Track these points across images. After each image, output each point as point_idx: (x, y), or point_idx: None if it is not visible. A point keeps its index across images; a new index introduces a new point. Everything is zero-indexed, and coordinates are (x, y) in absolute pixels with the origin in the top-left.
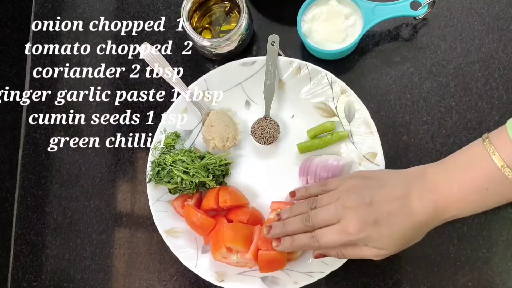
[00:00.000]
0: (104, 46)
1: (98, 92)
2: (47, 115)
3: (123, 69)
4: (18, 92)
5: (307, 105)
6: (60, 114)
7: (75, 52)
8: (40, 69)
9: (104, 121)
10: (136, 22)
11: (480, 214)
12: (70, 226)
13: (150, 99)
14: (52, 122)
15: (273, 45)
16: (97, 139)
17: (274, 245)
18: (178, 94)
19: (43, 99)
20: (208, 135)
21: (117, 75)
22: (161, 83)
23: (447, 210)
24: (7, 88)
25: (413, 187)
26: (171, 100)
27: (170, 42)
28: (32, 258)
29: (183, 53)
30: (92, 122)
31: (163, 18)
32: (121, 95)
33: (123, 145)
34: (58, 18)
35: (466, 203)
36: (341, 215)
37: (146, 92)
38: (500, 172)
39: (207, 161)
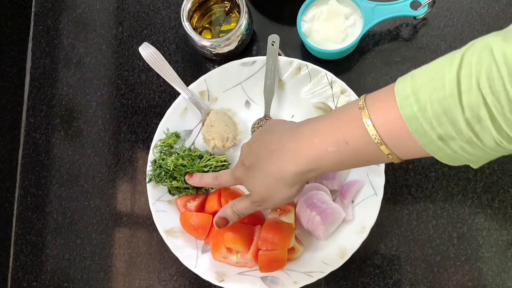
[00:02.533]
0: (104, 46)
1: (98, 92)
2: (47, 115)
3: (123, 69)
4: (18, 92)
5: (307, 105)
6: (60, 114)
7: (75, 52)
8: (40, 69)
9: (104, 121)
10: (136, 22)
11: (480, 214)
12: (70, 226)
13: (150, 99)
14: (52, 122)
15: (273, 45)
16: (97, 139)
17: (186, 178)
18: (178, 94)
19: (43, 99)
20: (208, 135)
21: (117, 75)
22: (161, 83)
23: (304, 159)
24: (7, 88)
25: (284, 136)
26: (171, 100)
27: (170, 42)
28: (32, 258)
29: (183, 53)
30: (92, 122)
31: (163, 18)
32: (121, 95)
33: (123, 145)
34: (58, 18)
35: (323, 155)
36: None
37: (146, 92)
38: (365, 131)
39: (206, 163)
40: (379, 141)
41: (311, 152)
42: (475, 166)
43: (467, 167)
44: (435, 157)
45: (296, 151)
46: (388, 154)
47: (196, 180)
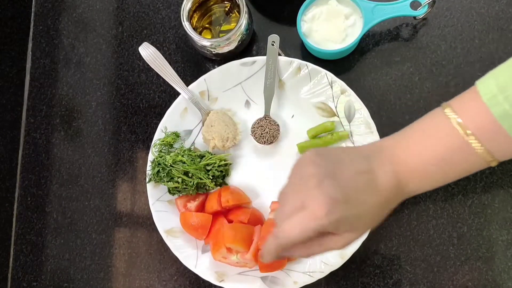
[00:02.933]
0: (104, 46)
1: (98, 92)
2: (47, 115)
3: (123, 69)
4: (18, 92)
5: (307, 105)
6: (60, 114)
7: (75, 52)
8: (40, 69)
9: (104, 121)
10: (136, 22)
11: (480, 214)
12: (70, 226)
13: (150, 99)
14: (52, 122)
15: (273, 45)
16: (97, 139)
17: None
18: (178, 94)
19: (43, 99)
20: (208, 135)
21: (117, 75)
22: (161, 83)
23: (409, 182)
24: (7, 88)
25: (373, 161)
26: (171, 100)
27: (170, 42)
28: (32, 258)
29: (183, 53)
30: (92, 122)
31: (163, 18)
32: (121, 95)
33: (123, 145)
34: (58, 18)
35: (426, 175)
36: (305, 199)
37: (146, 92)
38: (462, 140)
39: (207, 161)
40: (480, 149)
41: (413, 173)
42: None
43: None
44: None
45: (397, 173)
46: (490, 161)
47: (264, 256)
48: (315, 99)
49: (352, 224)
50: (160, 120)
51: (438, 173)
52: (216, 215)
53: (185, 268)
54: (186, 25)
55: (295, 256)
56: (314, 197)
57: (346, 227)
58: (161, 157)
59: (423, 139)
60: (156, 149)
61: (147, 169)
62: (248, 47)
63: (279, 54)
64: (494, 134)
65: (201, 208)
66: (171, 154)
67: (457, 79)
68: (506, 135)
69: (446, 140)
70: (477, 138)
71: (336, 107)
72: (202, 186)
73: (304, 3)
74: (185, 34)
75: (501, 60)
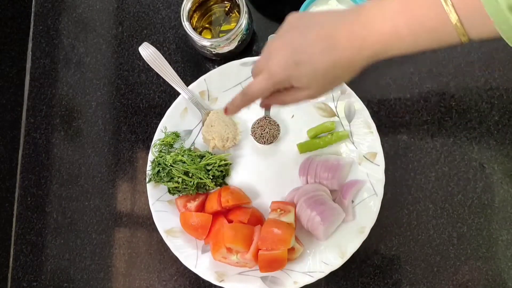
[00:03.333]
0: (104, 46)
1: (98, 92)
2: (47, 115)
3: (123, 69)
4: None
5: (307, 105)
6: (60, 114)
7: (75, 52)
8: (40, 69)
9: (104, 121)
10: (136, 22)
11: (480, 214)
12: (70, 226)
13: (150, 99)
14: (52, 122)
15: None
16: (97, 139)
17: (224, 113)
18: (178, 94)
19: (43, 99)
20: (208, 135)
21: (117, 75)
22: (161, 83)
23: (374, 45)
24: (7, 88)
25: (343, 24)
26: (171, 100)
27: (170, 42)
28: (32, 258)
29: (183, 53)
30: (92, 122)
31: (163, 18)
32: (121, 95)
33: (123, 145)
34: (58, 18)
35: (396, 38)
36: (267, 63)
37: (146, 92)
38: (442, 8)
39: (207, 161)
40: (455, 20)
41: (381, 36)
42: None
43: (467, 167)
44: (501, 33)
45: (364, 36)
46: (462, 34)
47: (230, 109)
48: (315, 99)
49: (307, 81)
50: (160, 120)
51: (408, 38)
52: (216, 215)
53: (185, 268)
54: (186, 25)
55: (272, 103)
56: (272, 60)
57: (300, 83)
58: (161, 157)
59: (402, 4)
60: (156, 149)
61: (147, 169)
62: (248, 47)
63: None
64: (473, 9)
65: (201, 208)
66: (171, 154)
67: (457, 79)
68: (484, 13)
69: (425, 5)
70: (455, 9)
71: (336, 107)
72: (202, 186)
73: (304, 3)
74: (185, 34)
75: (501, 60)
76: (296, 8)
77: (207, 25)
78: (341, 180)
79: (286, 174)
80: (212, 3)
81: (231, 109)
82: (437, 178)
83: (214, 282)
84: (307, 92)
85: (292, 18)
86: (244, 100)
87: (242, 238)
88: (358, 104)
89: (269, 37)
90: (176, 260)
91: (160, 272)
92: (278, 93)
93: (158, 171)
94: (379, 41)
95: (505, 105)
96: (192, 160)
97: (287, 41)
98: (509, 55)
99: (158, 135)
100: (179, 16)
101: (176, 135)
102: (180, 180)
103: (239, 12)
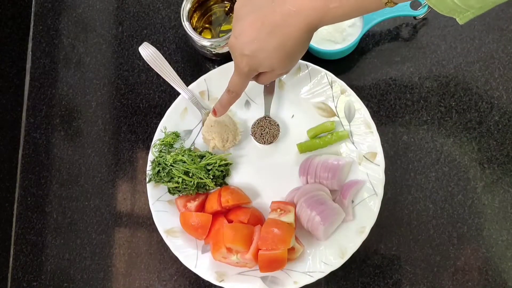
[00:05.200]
0: (104, 46)
1: (98, 92)
2: (47, 115)
3: (123, 69)
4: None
5: (307, 105)
6: (60, 114)
7: (75, 52)
8: (40, 69)
9: (104, 121)
10: (136, 22)
11: (480, 214)
12: (70, 226)
13: (150, 99)
14: (52, 122)
15: None
16: (97, 139)
17: (212, 114)
18: (178, 94)
19: (43, 99)
20: (208, 135)
21: (117, 75)
22: (161, 83)
23: (310, 13)
24: (7, 88)
25: (277, 3)
26: (171, 100)
27: (170, 42)
28: (32, 258)
29: (183, 53)
30: (92, 122)
31: (163, 18)
32: (121, 95)
33: (123, 145)
34: (58, 18)
35: (326, 12)
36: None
37: (146, 92)
38: None
39: (208, 161)
40: None
41: (313, 13)
42: (461, 21)
43: (467, 167)
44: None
45: (297, 13)
46: (386, 2)
47: (218, 108)
48: (315, 99)
49: (268, 65)
50: (160, 120)
51: (339, 11)
52: (216, 215)
53: (185, 268)
54: (186, 25)
55: (260, 83)
56: (235, 58)
57: (265, 68)
58: (161, 157)
59: None
60: (156, 149)
61: (147, 169)
62: None
63: None
64: None
65: (201, 208)
66: (172, 153)
67: (457, 79)
68: None
69: None
70: None
71: (336, 107)
72: (202, 186)
73: None
74: (185, 34)
75: (501, 60)
76: None
77: (207, 25)
78: (341, 180)
79: (286, 174)
80: (212, 3)
81: (220, 109)
82: (437, 178)
83: (214, 282)
84: (276, 71)
85: (236, 8)
86: (230, 97)
87: (242, 238)
88: (358, 104)
89: None
90: (176, 260)
91: (160, 272)
92: (255, 77)
93: (158, 171)
94: (312, 10)
95: (505, 105)
96: (192, 160)
97: (237, 35)
98: (509, 55)
99: (158, 135)
100: (179, 16)
101: (176, 135)
102: (180, 180)
103: None
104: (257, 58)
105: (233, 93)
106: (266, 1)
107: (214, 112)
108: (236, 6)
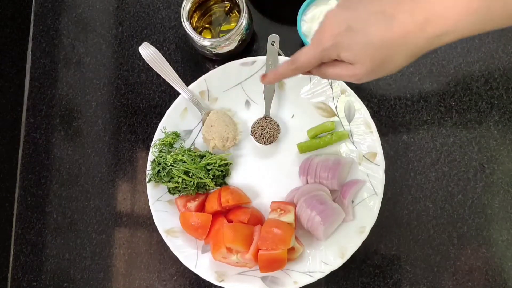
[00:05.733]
0: (104, 46)
1: (98, 92)
2: (47, 115)
3: (123, 69)
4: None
5: (307, 105)
6: (60, 114)
7: (75, 52)
8: (40, 69)
9: (104, 121)
10: (136, 22)
11: (480, 214)
12: (70, 226)
13: (150, 99)
14: (52, 122)
15: (273, 45)
16: (97, 139)
17: (261, 80)
18: (178, 94)
19: (43, 99)
20: (208, 135)
21: (117, 75)
22: (161, 83)
23: (441, 21)
24: (7, 88)
25: (404, 3)
26: (171, 100)
27: (170, 42)
28: (32, 258)
29: (183, 53)
30: (92, 122)
31: (163, 18)
32: (121, 95)
33: (123, 145)
34: (58, 18)
35: (466, 13)
36: (317, 32)
37: (146, 92)
38: None
39: (208, 161)
40: None
41: (451, 11)
42: None
43: (467, 167)
44: None
45: (429, 10)
46: None
47: (270, 76)
48: (315, 99)
49: (356, 52)
50: (160, 120)
51: (480, 12)
52: (216, 215)
53: (185, 268)
54: (186, 25)
55: (314, 74)
56: (323, 27)
57: (349, 54)
58: (161, 157)
59: None
60: (156, 149)
61: (147, 169)
62: (248, 47)
63: (279, 54)
64: None
65: (201, 208)
66: (172, 153)
67: (457, 79)
68: None
69: None
70: None
71: (336, 107)
72: (202, 186)
73: (304, 3)
74: (185, 34)
75: (501, 60)
76: (296, 8)
77: (207, 25)
78: (341, 180)
79: (286, 174)
80: (212, 3)
81: (271, 79)
82: (437, 178)
83: (214, 282)
84: (353, 69)
85: None
86: (290, 68)
87: (242, 238)
88: (358, 104)
89: (268, 38)
90: (176, 260)
91: (160, 272)
92: (322, 65)
93: (158, 171)
94: (446, 17)
95: (505, 105)
96: (192, 160)
97: (342, 10)
98: (509, 55)
99: (158, 135)
100: (179, 16)
101: (176, 135)
102: (180, 180)
103: (239, 12)
104: (349, 37)
105: (294, 65)
106: None
107: (263, 77)
108: None
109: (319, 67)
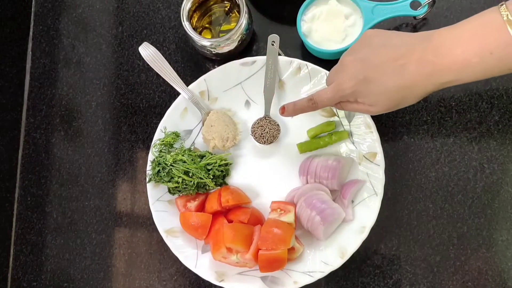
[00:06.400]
0: (104, 46)
1: (98, 92)
2: (47, 115)
3: (123, 69)
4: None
5: None
6: (60, 114)
7: (75, 52)
8: (40, 69)
9: (104, 121)
10: (136, 22)
11: (480, 214)
12: (70, 226)
13: (150, 99)
14: (52, 122)
15: (273, 45)
16: (97, 139)
17: (280, 113)
18: (178, 94)
19: (43, 99)
20: (208, 135)
21: (117, 75)
22: (161, 83)
23: (445, 73)
24: (7, 88)
25: (416, 48)
26: (171, 100)
27: (170, 42)
28: (32, 258)
29: (183, 53)
30: (92, 122)
31: (163, 18)
32: (121, 95)
33: (123, 145)
34: (58, 18)
35: (466, 67)
36: (337, 76)
37: (146, 92)
38: (509, 36)
39: (208, 161)
40: None
41: (453, 65)
42: None
43: (467, 167)
44: None
45: (434, 64)
46: None
47: (289, 109)
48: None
49: (370, 98)
50: (160, 120)
51: (478, 66)
52: (216, 215)
53: (185, 268)
54: (186, 25)
55: (339, 108)
56: (342, 74)
57: (364, 99)
58: (161, 157)
59: (472, 33)
60: (156, 149)
61: (147, 169)
62: (248, 47)
63: (279, 54)
64: None
65: (201, 208)
66: (172, 153)
67: None
68: None
69: (493, 35)
70: None
71: None
72: (202, 186)
73: (304, 3)
74: (185, 34)
75: None
76: (296, 8)
77: (207, 25)
78: (341, 180)
79: (286, 174)
80: (212, 3)
81: (291, 112)
82: (437, 178)
83: (214, 282)
84: (371, 108)
85: (367, 35)
86: (309, 106)
87: (242, 238)
88: None
89: (268, 38)
90: (176, 260)
91: (160, 272)
92: (341, 102)
93: (158, 171)
94: (449, 69)
95: (505, 105)
96: (192, 160)
97: (360, 58)
98: None
99: (158, 135)
100: (179, 16)
101: (176, 135)
102: (180, 180)
103: (239, 12)
104: (366, 87)
105: (314, 104)
106: (406, 40)
107: (283, 110)
108: (369, 32)
109: (338, 103)
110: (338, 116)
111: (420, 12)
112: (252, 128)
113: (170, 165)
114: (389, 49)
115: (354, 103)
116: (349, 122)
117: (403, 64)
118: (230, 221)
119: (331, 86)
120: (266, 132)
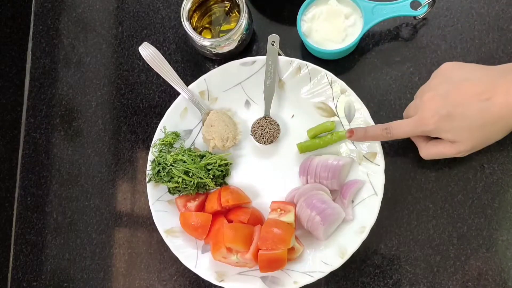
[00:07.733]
0: (104, 46)
1: (98, 92)
2: (47, 115)
3: (123, 69)
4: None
5: (307, 105)
6: (60, 114)
7: (75, 52)
8: (40, 69)
9: (104, 121)
10: (136, 22)
11: (480, 214)
12: (70, 226)
13: (150, 99)
14: (52, 122)
15: (273, 45)
16: (97, 139)
17: (347, 136)
18: (178, 94)
19: (43, 99)
20: (208, 135)
21: (117, 75)
22: (161, 83)
23: None
24: (7, 88)
25: (499, 82)
26: (171, 100)
27: (170, 42)
28: (32, 258)
29: (183, 53)
30: (92, 122)
31: (163, 18)
32: (121, 95)
33: (123, 145)
34: (58, 18)
35: None
36: (418, 110)
37: (146, 92)
38: None
39: (208, 161)
40: None
41: None
42: None
43: (467, 167)
44: None
45: None
46: None
47: (359, 134)
48: (315, 99)
49: (454, 134)
50: (160, 120)
51: None
52: (216, 215)
53: (185, 268)
54: (186, 25)
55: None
56: (424, 108)
57: (449, 136)
58: (161, 157)
59: None
60: (156, 149)
61: (147, 169)
62: (248, 47)
63: (279, 54)
64: None
65: (201, 208)
66: (172, 153)
67: None
68: None
69: None
70: None
71: (336, 107)
72: (202, 186)
73: (304, 3)
74: (185, 34)
75: (501, 60)
76: (296, 8)
77: (207, 25)
78: (341, 180)
79: (286, 174)
80: (212, 3)
81: (360, 137)
82: (437, 178)
83: (214, 282)
84: (456, 147)
85: (446, 69)
86: (383, 135)
87: (242, 238)
88: (358, 104)
89: (268, 38)
90: (176, 260)
91: (160, 272)
92: (427, 144)
93: (158, 170)
94: None
95: None
96: (192, 159)
97: (441, 93)
98: (509, 55)
99: (158, 135)
100: (179, 16)
101: (176, 135)
102: (180, 179)
103: (239, 12)
104: (450, 123)
105: (389, 135)
106: (489, 73)
107: (351, 134)
108: (446, 65)
109: (424, 146)
110: (338, 116)
111: (420, 12)
112: (252, 128)
113: (170, 165)
114: (471, 83)
115: (439, 143)
116: (349, 122)
117: (488, 98)
118: (230, 221)
119: (412, 119)
120: (266, 132)
